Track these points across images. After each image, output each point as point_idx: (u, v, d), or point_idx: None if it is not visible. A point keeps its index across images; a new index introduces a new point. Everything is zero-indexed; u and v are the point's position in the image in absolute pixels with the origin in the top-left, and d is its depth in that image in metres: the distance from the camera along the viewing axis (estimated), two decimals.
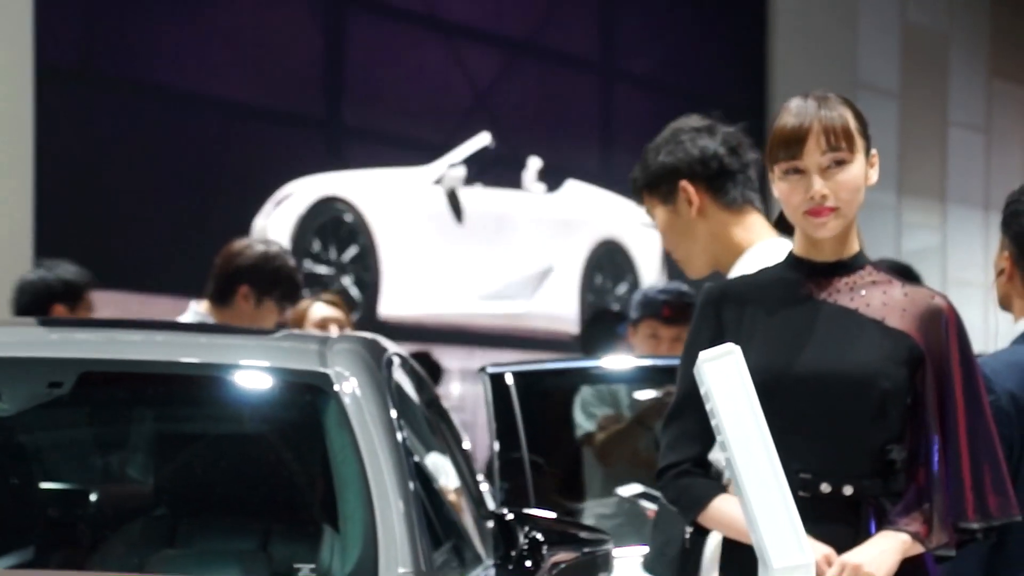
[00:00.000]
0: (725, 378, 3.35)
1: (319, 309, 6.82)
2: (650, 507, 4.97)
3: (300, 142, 11.79)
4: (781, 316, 3.61)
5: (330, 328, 6.59)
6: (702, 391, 3.40)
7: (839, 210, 3.55)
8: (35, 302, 7.11)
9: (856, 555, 3.44)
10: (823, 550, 3.41)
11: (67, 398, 4.18)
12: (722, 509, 3.55)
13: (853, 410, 3.53)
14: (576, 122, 13.63)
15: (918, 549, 3.49)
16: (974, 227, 19.93)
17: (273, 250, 6.67)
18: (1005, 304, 4.45)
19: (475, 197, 11.92)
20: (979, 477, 3.55)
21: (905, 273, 3.81)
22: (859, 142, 3.59)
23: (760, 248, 4.22)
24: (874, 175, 3.59)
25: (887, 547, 3.46)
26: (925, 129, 19.48)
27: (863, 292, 3.62)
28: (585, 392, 5.96)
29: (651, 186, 4.39)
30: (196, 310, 6.58)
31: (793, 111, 3.58)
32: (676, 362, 5.68)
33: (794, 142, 3.55)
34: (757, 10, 16.21)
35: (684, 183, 4.31)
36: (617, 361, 6.20)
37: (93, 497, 4.42)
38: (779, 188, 3.60)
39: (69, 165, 10.24)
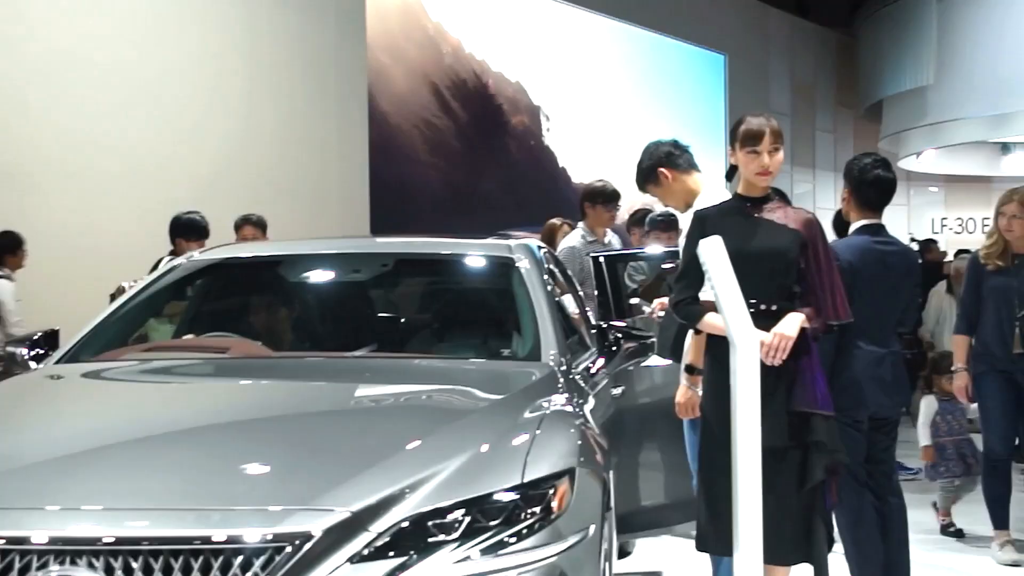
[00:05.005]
0: (715, 252, 3.38)
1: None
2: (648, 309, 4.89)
3: None
4: (736, 224, 3.62)
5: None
6: (701, 259, 3.41)
7: (772, 174, 3.60)
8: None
9: (778, 327, 3.49)
10: (762, 335, 3.44)
11: (390, 272, 4.31)
12: (709, 319, 3.60)
13: (775, 269, 3.57)
14: None
15: (807, 324, 3.53)
16: (829, 182, 19.98)
17: (598, 182, 6.72)
18: (846, 218, 4.54)
19: None
20: (833, 299, 3.60)
21: (780, 194, 3.87)
22: (783, 140, 3.65)
23: (705, 193, 4.21)
24: (783, 158, 3.63)
25: (793, 319, 3.51)
26: (803, 133, 19.41)
27: (775, 212, 3.65)
28: (629, 267, 5.90)
29: (647, 179, 4.35)
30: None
31: (755, 123, 3.62)
32: (675, 250, 5.64)
33: (758, 137, 3.59)
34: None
35: (660, 169, 4.29)
36: (652, 249, 6.10)
37: (402, 320, 4.47)
38: (742, 159, 3.64)
39: (389, 153, 9.46)
